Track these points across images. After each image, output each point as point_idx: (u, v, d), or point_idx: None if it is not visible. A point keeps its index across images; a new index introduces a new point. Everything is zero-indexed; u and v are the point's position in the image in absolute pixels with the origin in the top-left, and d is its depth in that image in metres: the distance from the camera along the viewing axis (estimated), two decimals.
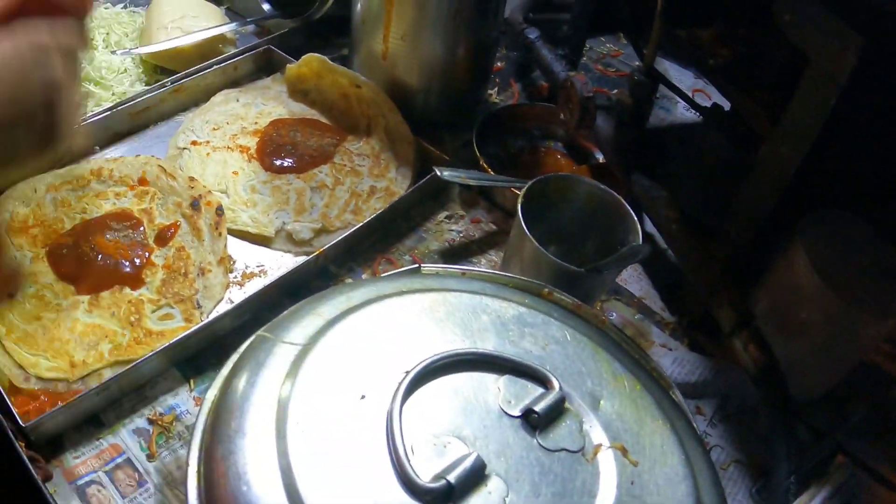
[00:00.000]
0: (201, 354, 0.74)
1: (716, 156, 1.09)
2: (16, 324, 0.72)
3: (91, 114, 0.93)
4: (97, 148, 0.94)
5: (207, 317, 0.75)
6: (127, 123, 0.96)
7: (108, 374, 0.71)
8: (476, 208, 0.96)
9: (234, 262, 0.82)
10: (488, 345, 0.56)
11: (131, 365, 0.69)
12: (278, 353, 0.52)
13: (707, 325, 0.83)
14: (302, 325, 0.54)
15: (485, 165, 0.94)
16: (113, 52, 1.01)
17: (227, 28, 1.04)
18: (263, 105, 1.00)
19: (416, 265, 0.66)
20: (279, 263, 0.84)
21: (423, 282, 0.61)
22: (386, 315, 0.56)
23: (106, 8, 1.11)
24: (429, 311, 0.57)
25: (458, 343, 0.55)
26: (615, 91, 0.98)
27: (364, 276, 0.85)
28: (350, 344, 0.53)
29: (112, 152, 0.94)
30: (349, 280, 0.84)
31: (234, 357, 0.55)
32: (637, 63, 1.21)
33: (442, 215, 0.94)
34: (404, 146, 0.96)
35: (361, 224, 0.84)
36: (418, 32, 0.95)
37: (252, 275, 0.82)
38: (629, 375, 0.58)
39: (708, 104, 0.97)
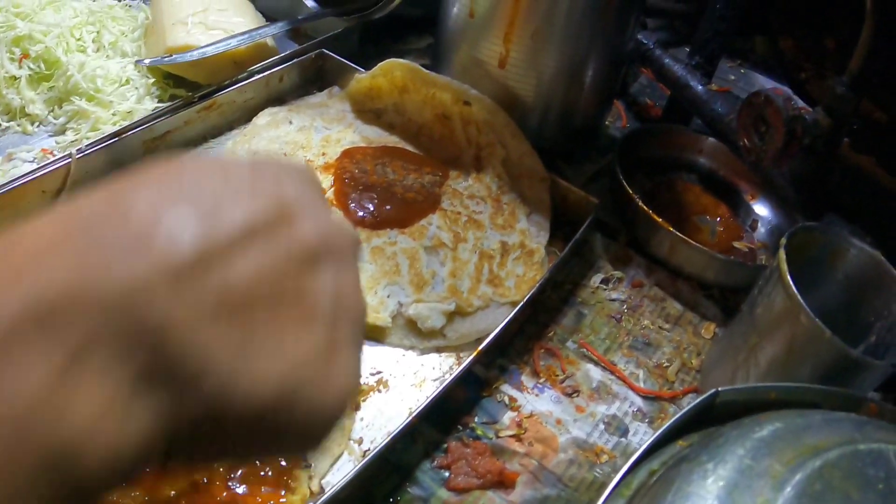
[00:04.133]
0: None
1: (859, 182, 0.88)
2: None
3: (91, 142, 0.63)
4: None
5: (321, 484, 0.47)
6: (139, 155, 0.67)
7: None
8: (631, 265, 0.70)
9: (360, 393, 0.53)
10: None
11: None
12: None
13: None
14: None
15: (643, 207, 0.69)
16: (138, 62, 0.71)
17: (277, 29, 0.76)
18: (326, 129, 0.73)
19: (714, 391, 0.40)
20: (402, 367, 0.56)
21: (787, 438, 0.36)
22: None
23: (94, 0, 0.80)
24: (843, 495, 0.33)
25: None
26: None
27: (524, 378, 0.58)
28: None
29: None
30: (504, 385, 0.57)
31: None
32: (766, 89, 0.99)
33: (595, 279, 0.68)
34: (535, 185, 0.70)
35: (519, 307, 0.57)
36: (551, 31, 0.69)
37: (369, 389, 0.54)
38: None
39: None
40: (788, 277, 0.52)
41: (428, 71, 0.71)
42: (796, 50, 1.00)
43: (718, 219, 0.81)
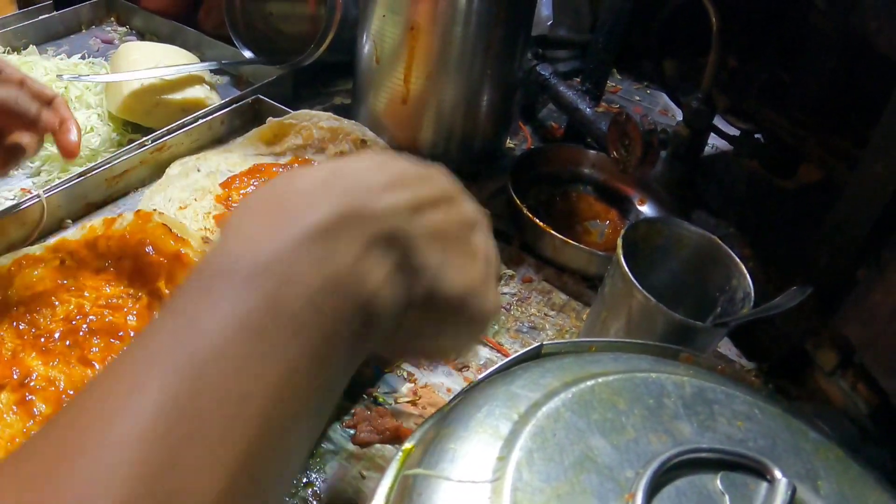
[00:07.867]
0: None
1: (751, 184, 1.02)
2: None
3: (60, 181, 0.76)
4: (69, 221, 0.77)
5: None
6: (103, 190, 0.80)
7: None
8: (523, 265, 0.83)
9: None
10: (686, 434, 0.44)
11: None
12: (456, 499, 0.37)
13: (790, 368, 0.74)
14: (469, 451, 0.40)
15: (529, 215, 0.82)
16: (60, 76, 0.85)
17: (205, 66, 0.90)
18: (230, 171, 0.83)
19: (538, 345, 0.53)
20: None
21: (573, 368, 0.48)
22: (567, 423, 0.42)
23: (62, 59, 0.94)
24: (610, 405, 0.44)
25: (657, 441, 0.43)
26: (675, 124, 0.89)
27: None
28: (545, 473, 0.39)
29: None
30: (404, 364, 0.70)
31: None
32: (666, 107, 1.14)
33: None
34: None
35: None
36: (444, 70, 0.83)
37: None
38: (825, 441, 0.47)
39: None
40: (623, 261, 0.64)
41: (336, 119, 0.84)
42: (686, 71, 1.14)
43: (608, 222, 0.94)
